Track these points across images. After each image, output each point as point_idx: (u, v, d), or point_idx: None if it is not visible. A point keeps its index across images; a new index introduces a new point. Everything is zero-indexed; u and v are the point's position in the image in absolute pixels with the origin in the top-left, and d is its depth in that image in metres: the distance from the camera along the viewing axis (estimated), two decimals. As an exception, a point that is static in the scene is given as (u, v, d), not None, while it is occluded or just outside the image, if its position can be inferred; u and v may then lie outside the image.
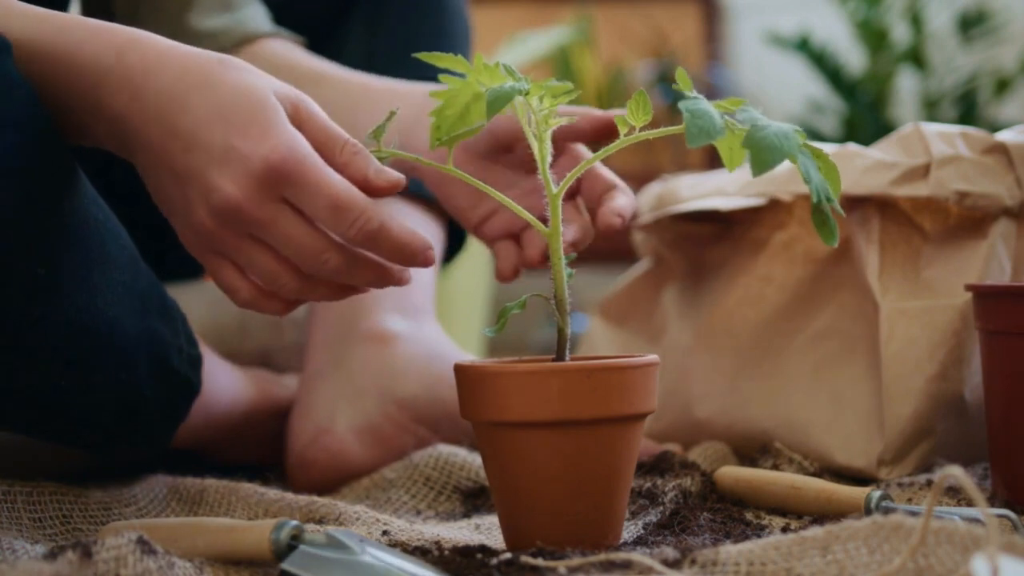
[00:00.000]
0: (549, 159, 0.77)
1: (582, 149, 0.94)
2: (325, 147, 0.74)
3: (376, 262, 0.76)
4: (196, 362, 0.89)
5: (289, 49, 1.09)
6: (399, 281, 0.78)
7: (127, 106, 0.72)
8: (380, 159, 0.76)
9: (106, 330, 0.78)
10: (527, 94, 0.74)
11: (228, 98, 0.72)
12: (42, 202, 0.73)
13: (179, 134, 0.72)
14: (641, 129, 0.75)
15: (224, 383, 1.03)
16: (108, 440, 0.85)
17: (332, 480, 1.02)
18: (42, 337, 0.75)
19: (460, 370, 0.76)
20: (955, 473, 0.57)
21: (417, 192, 1.10)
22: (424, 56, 0.78)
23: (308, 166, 0.72)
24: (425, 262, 0.75)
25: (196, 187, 0.72)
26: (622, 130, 0.76)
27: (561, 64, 3.44)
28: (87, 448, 0.88)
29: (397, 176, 0.75)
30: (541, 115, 0.76)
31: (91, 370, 0.78)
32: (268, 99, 0.72)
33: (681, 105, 0.71)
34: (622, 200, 0.92)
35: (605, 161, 0.81)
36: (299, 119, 0.74)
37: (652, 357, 0.76)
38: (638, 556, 0.65)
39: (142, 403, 0.83)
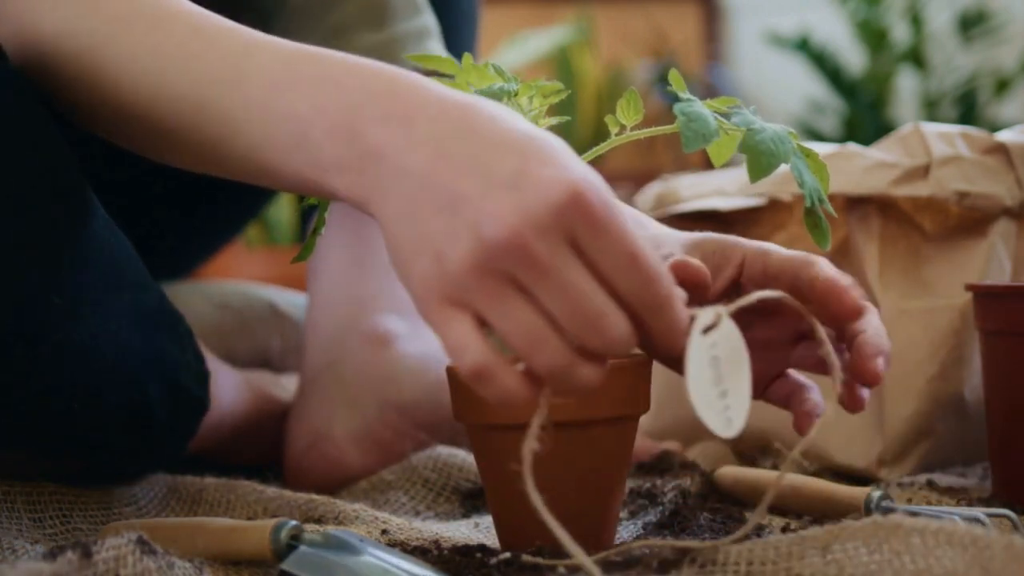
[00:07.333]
0: None
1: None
2: None
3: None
4: (204, 378, 0.88)
5: None
6: None
7: (391, 135, 0.63)
8: None
9: (117, 353, 0.77)
10: (516, 95, 0.74)
11: (522, 130, 0.62)
12: (58, 230, 0.72)
13: (455, 157, 0.61)
14: (635, 129, 0.75)
15: (225, 389, 1.03)
16: (117, 459, 0.85)
17: (330, 486, 1.02)
18: (55, 364, 0.74)
19: (452, 372, 0.76)
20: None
21: None
22: (412, 57, 0.76)
23: (615, 208, 0.60)
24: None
25: (466, 215, 0.59)
26: (613, 129, 0.76)
27: (561, 64, 3.44)
28: (96, 467, 0.87)
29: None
30: (531, 115, 0.76)
31: (102, 393, 0.78)
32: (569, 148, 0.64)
33: (676, 108, 0.71)
34: (871, 347, 0.70)
35: (604, 161, 0.80)
36: None
37: (645, 356, 0.75)
38: (637, 555, 0.65)
39: (152, 423, 0.82)
